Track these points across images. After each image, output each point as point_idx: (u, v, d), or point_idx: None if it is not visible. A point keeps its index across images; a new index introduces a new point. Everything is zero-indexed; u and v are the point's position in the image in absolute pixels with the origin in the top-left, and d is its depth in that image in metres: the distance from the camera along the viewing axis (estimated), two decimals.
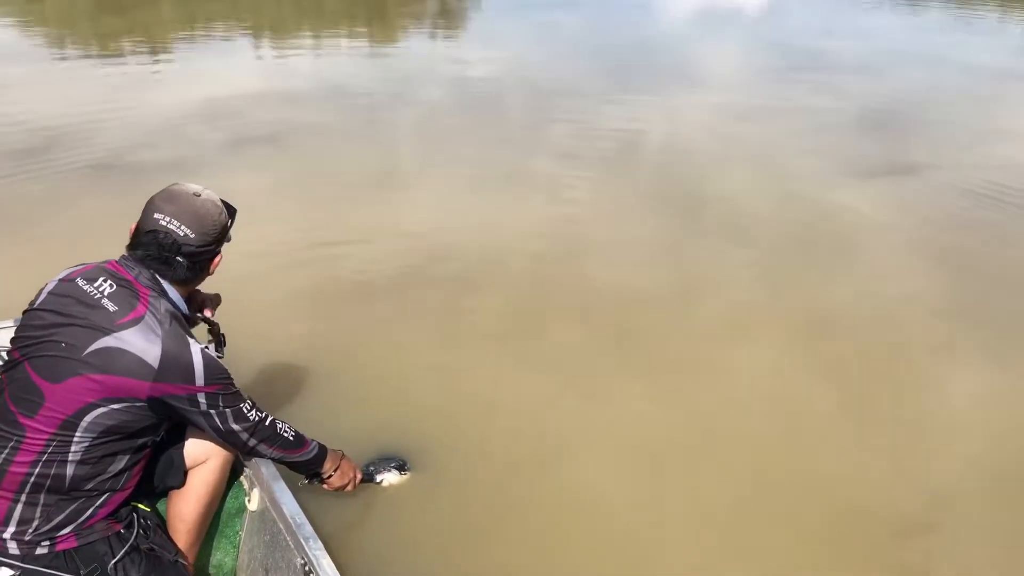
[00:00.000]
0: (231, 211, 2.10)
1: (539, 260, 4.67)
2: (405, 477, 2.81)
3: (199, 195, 1.96)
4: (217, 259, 2.05)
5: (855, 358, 3.82)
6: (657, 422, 3.29)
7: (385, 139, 7.05)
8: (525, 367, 3.60)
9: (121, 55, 10.12)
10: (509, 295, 4.25)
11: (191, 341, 1.91)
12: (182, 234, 1.89)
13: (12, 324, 2.37)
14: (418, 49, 11.58)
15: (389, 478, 2.77)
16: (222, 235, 2.03)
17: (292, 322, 3.85)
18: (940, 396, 3.57)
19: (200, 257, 1.96)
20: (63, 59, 9.92)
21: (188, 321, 2.07)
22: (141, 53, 10.21)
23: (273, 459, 2.21)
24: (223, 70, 9.46)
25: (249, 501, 2.36)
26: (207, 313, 2.35)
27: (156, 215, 1.89)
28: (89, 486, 1.86)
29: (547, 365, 3.62)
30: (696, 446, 3.18)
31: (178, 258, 1.91)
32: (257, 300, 3.90)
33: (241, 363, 3.26)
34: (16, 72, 8.75)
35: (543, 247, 4.85)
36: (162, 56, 10.15)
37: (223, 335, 2.43)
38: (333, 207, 5.36)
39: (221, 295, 2.43)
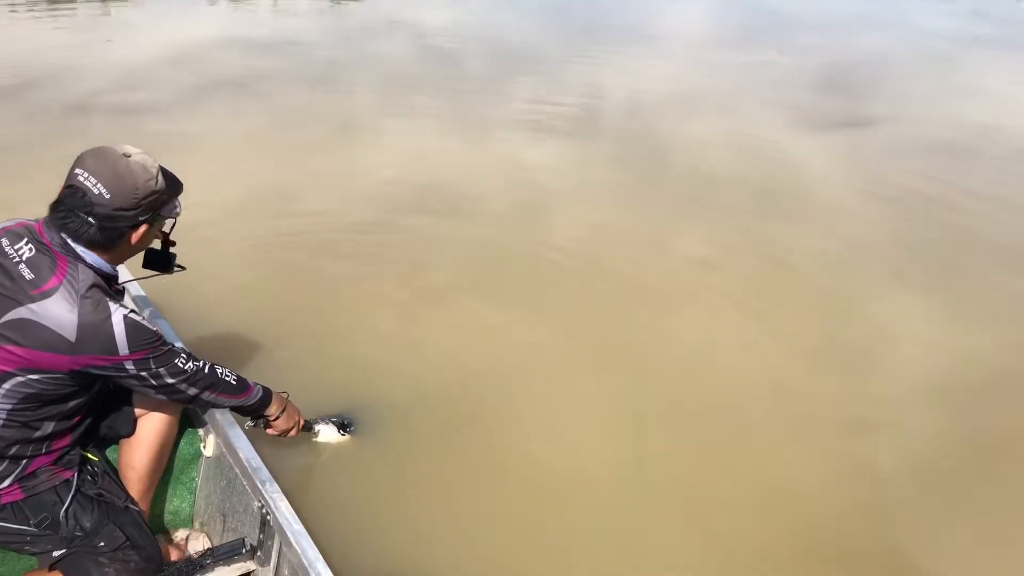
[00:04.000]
0: (173, 185, 1.89)
1: (502, 214, 4.66)
2: (344, 438, 2.74)
3: (129, 156, 1.77)
4: (140, 231, 1.83)
5: (809, 290, 4.07)
6: (619, 377, 3.32)
7: (350, 90, 6.97)
8: (485, 323, 3.60)
9: (72, 4, 9.77)
10: (469, 255, 4.22)
11: (112, 308, 1.76)
12: (96, 192, 1.71)
13: None
14: (382, 3, 11.33)
15: (326, 432, 2.70)
16: (147, 205, 1.80)
17: (254, 275, 3.80)
18: (887, 322, 3.83)
19: (113, 222, 1.76)
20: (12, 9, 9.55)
21: (111, 281, 1.88)
22: (92, 2, 9.86)
23: (218, 406, 2.14)
24: (183, 19, 9.22)
25: (204, 447, 2.33)
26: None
27: (77, 170, 1.74)
28: (14, 451, 1.81)
29: (506, 321, 3.62)
30: (659, 381, 3.30)
31: (89, 219, 1.73)
32: (219, 251, 3.86)
33: (200, 316, 3.23)
34: None
35: (506, 200, 4.83)
36: (115, 6, 9.81)
37: (172, 253, 2.17)
38: (298, 156, 5.31)
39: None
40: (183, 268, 2.17)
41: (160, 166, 1.85)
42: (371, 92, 6.90)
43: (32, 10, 9.52)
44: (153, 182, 1.80)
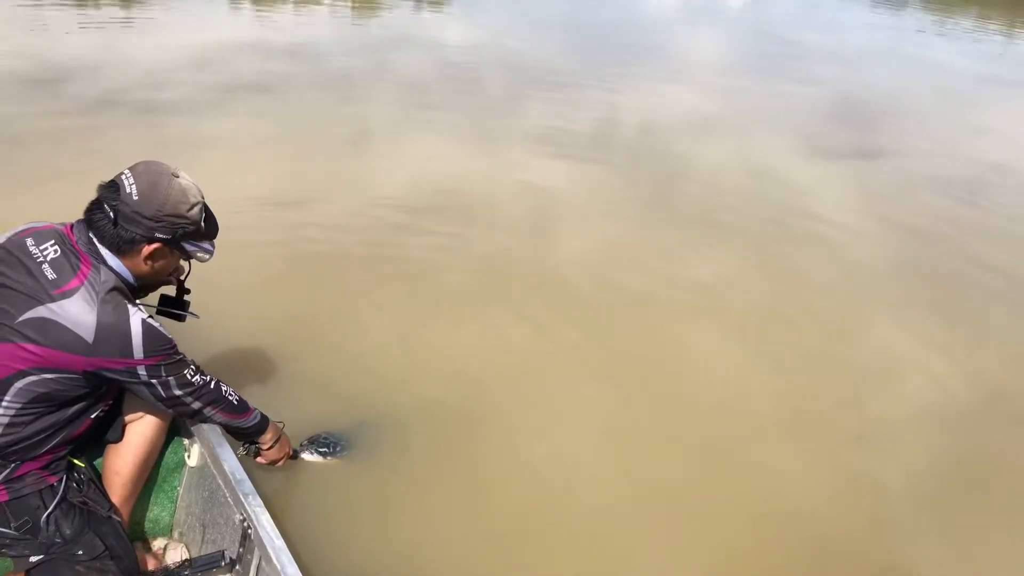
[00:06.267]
0: (208, 226, 1.91)
1: (510, 232, 4.62)
2: (330, 461, 2.67)
3: (176, 176, 1.82)
4: (152, 247, 1.83)
5: (815, 312, 4.12)
6: (620, 393, 3.29)
7: (368, 98, 7.01)
8: (487, 344, 3.54)
9: (97, 5, 9.89)
10: (476, 267, 4.20)
11: (131, 311, 1.78)
12: (127, 191, 1.75)
13: None
14: (402, 17, 11.41)
15: (311, 460, 2.64)
16: (168, 224, 1.81)
17: (260, 279, 3.77)
18: (890, 345, 3.89)
19: (129, 224, 1.77)
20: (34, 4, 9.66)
21: (133, 290, 1.90)
22: (113, 4, 9.98)
23: (217, 423, 2.14)
24: (206, 21, 9.35)
25: (188, 456, 2.30)
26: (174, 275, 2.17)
27: (126, 170, 1.80)
28: (14, 449, 1.80)
29: (509, 334, 3.59)
30: (661, 397, 3.30)
31: (111, 212, 1.76)
32: (227, 254, 3.81)
33: (205, 330, 3.20)
34: None
35: (517, 213, 4.84)
36: (136, 8, 9.93)
37: (185, 300, 2.22)
38: (313, 162, 5.35)
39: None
40: (196, 316, 2.20)
41: (205, 205, 1.90)
42: (388, 101, 6.94)
43: (57, 3, 9.64)
44: (184, 206, 1.82)
